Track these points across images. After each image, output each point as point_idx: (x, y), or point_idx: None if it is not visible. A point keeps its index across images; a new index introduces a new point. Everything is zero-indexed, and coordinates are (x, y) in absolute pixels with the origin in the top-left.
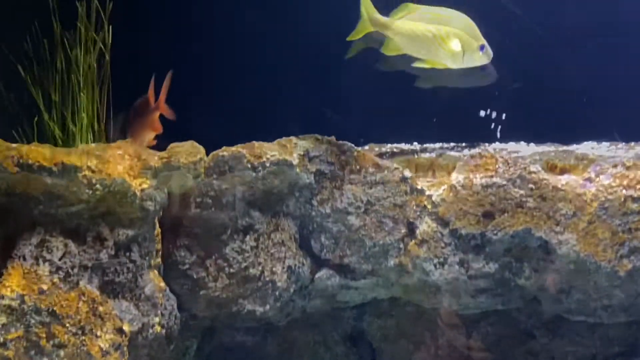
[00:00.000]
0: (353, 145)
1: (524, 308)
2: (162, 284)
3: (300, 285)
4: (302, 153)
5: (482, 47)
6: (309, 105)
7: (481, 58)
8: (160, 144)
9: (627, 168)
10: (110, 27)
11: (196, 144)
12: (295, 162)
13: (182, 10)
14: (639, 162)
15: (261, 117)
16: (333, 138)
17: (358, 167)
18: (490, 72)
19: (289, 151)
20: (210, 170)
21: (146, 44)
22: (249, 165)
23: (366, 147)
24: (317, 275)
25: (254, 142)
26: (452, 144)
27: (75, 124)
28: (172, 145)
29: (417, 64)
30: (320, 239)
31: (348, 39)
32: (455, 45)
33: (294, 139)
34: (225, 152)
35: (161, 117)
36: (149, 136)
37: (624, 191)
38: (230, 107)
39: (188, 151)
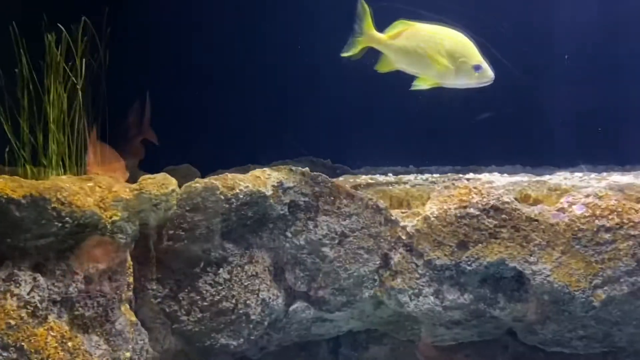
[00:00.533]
0: (327, 176)
1: (499, 339)
2: (134, 318)
3: (275, 318)
4: (275, 184)
5: (477, 67)
6: (306, 126)
7: (477, 78)
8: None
9: (600, 198)
10: (84, 59)
11: (168, 175)
12: (269, 193)
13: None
14: (611, 193)
15: (257, 135)
16: (307, 169)
17: (332, 198)
18: (487, 72)
19: (263, 182)
20: (182, 202)
21: (126, 71)
22: (222, 197)
23: (341, 178)
24: (291, 308)
25: (226, 173)
26: (426, 175)
27: (46, 155)
28: (143, 177)
29: (416, 83)
30: (294, 271)
31: (342, 54)
32: (445, 63)
33: (267, 170)
34: (197, 183)
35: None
36: (133, 162)
37: (596, 221)
38: (225, 128)
39: (160, 183)
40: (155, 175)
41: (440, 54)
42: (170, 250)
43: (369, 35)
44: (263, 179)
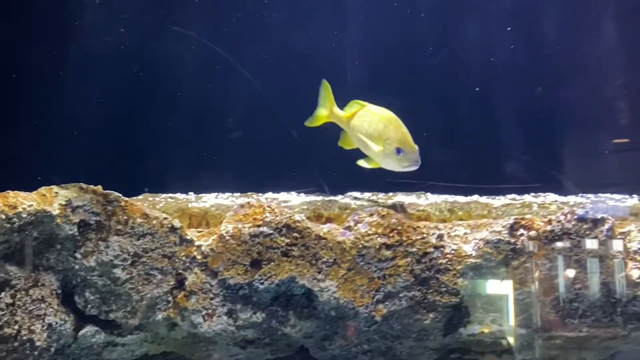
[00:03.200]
0: (120, 195)
1: (293, 356)
2: None
3: (63, 343)
4: (64, 203)
5: (398, 150)
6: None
7: (399, 161)
8: None
9: (382, 217)
10: None
11: None
12: (56, 212)
13: None
14: (392, 212)
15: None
16: (99, 188)
17: (125, 217)
18: (409, 157)
19: (49, 201)
20: None
21: None
22: (4, 216)
23: (140, 197)
24: (81, 333)
25: (8, 191)
26: (227, 194)
27: None
28: None
29: (359, 163)
30: (84, 294)
31: (306, 124)
32: (373, 146)
33: (55, 187)
34: None
35: None
36: None
37: (379, 239)
38: None
39: None
40: None
41: (372, 136)
42: None
43: (333, 112)
44: (50, 197)
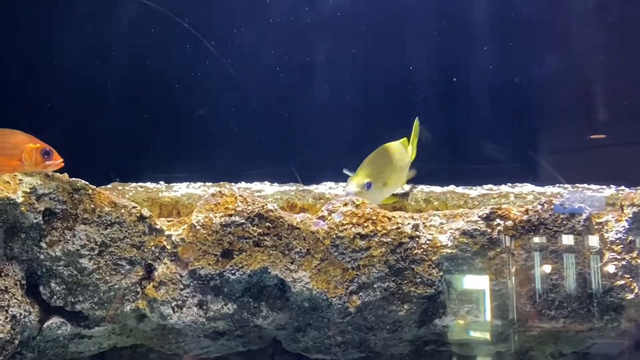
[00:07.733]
0: (87, 182)
1: (266, 349)
2: None
3: (28, 335)
4: (28, 190)
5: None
6: None
7: None
8: None
9: (357, 206)
10: None
11: None
12: (20, 200)
13: None
14: (367, 201)
15: None
16: (65, 175)
17: (93, 206)
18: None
19: (13, 188)
20: None
21: None
22: None
23: (109, 186)
24: (46, 324)
25: None
26: (199, 184)
27: None
28: None
29: None
30: (50, 284)
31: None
32: None
33: (19, 175)
34: None
35: None
36: None
37: (353, 229)
38: None
39: None
40: None
41: None
42: None
43: None
44: (13, 185)
